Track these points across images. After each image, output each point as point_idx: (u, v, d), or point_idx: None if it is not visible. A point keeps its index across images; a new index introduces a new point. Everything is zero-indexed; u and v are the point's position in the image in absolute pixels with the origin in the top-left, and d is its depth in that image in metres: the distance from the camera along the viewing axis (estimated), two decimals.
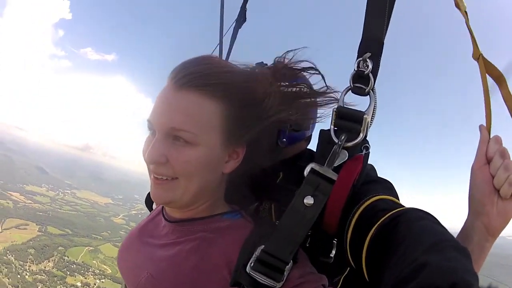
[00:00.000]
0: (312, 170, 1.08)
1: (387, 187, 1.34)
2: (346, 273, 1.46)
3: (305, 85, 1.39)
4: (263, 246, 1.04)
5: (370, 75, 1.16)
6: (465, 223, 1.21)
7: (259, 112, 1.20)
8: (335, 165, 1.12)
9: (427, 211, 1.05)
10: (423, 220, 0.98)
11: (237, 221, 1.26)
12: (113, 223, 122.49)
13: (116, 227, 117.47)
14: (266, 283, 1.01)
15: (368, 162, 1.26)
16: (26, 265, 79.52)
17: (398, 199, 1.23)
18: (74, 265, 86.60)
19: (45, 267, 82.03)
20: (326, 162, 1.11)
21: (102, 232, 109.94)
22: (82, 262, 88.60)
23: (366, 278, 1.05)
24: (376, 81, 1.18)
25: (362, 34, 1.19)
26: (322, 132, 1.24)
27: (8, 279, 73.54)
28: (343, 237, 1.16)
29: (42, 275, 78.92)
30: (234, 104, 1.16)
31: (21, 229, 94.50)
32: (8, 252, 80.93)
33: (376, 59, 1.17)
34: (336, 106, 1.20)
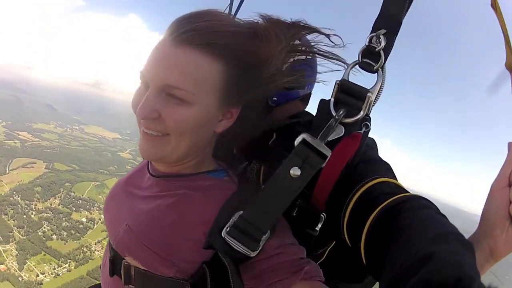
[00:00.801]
0: (304, 141, 1.02)
1: (387, 168, 1.25)
2: (331, 246, 1.41)
3: (309, 48, 1.31)
4: (242, 212, 1.02)
5: (382, 52, 1.11)
6: (470, 237, 1.11)
7: (259, 75, 1.14)
8: (329, 139, 1.08)
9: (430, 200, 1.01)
10: (427, 209, 0.95)
11: (221, 180, 1.23)
12: (120, 157, 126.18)
13: (122, 161, 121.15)
14: (240, 250, 0.99)
15: (369, 136, 1.22)
16: (32, 204, 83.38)
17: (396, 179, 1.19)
18: (80, 201, 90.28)
19: (51, 205, 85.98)
20: (320, 135, 1.06)
21: (108, 166, 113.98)
22: (88, 197, 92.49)
23: (363, 260, 1.02)
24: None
25: (380, 9, 1.13)
26: (322, 102, 1.20)
27: (14, 220, 77.46)
28: (339, 215, 1.11)
29: (48, 213, 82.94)
30: (234, 65, 1.09)
31: (28, 168, 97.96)
32: (14, 192, 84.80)
33: (390, 37, 1.12)
34: (339, 79, 1.15)
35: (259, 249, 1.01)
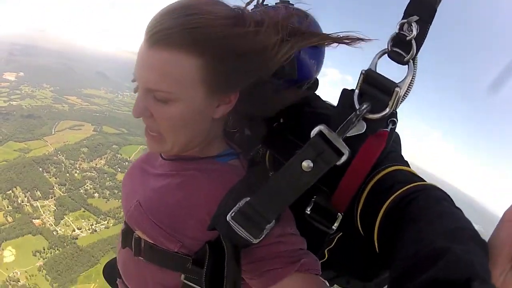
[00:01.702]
0: (320, 133, 0.96)
1: (403, 161, 1.18)
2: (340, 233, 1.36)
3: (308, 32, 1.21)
4: (249, 198, 1.01)
5: (413, 42, 1.02)
6: None
7: (248, 64, 1.10)
8: (348, 135, 1.01)
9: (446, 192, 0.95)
10: (443, 201, 0.89)
11: (229, 164, 1.24)
12: None
13: None
14: (243, 235, 0.99)
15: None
16: (76, 164, 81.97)
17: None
18: (127, 163, 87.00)
19: (96, 165, 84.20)
20: (338, 129, 0.99)
21: None
22: (135, 159, 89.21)
23: (376, 248, 0.99)
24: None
25: None
26: (344, 92, 1.12)
27: (56, 178, 76.44)
28: (353, 204, 1.09)
29: (92, 172, 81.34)
30: (215, 57, 1.06)
31: (75, 130, 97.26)
32: (59, 152, 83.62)
33: (424, 25, 1.02)
34: (365, 69, 1.06)
35: (262, 237, 1.00)
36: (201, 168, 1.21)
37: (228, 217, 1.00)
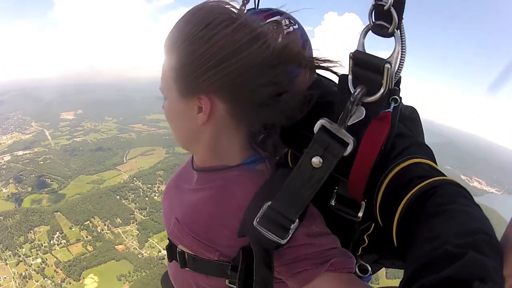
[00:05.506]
0: (323, 127, 0.98)
1: (423, 146, 1.16)
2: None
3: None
4: (270, 202, 1.06)
5: (392, 9, 0.96)
6: None
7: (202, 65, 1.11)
8: (350, 123, 1.00)
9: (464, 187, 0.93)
10: (461, 198, 0.88)
11: (256, 170, 1.27)
12: None
13: None
14: (270, 238, 1.06)
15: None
16: (154, 187, 79.23)
17: (433, 156, 1.12)
18: None
19: None
20: (338, 120, 0.98)
21: None
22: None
23: (395, 242, 0.99)
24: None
25: None
26: (341, 78, 1.10)
27: (135, 203, 73.96)
28: (372, 196, 1.08)
29: None
30: (180, 53, 1.13)
31: (147, 155, 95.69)
32: (135, 179, 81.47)
33: None
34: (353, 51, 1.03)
35: (289, 237, 1.06)
36: (228, 178, 1.24)
37: (255, 223, 1.06)
